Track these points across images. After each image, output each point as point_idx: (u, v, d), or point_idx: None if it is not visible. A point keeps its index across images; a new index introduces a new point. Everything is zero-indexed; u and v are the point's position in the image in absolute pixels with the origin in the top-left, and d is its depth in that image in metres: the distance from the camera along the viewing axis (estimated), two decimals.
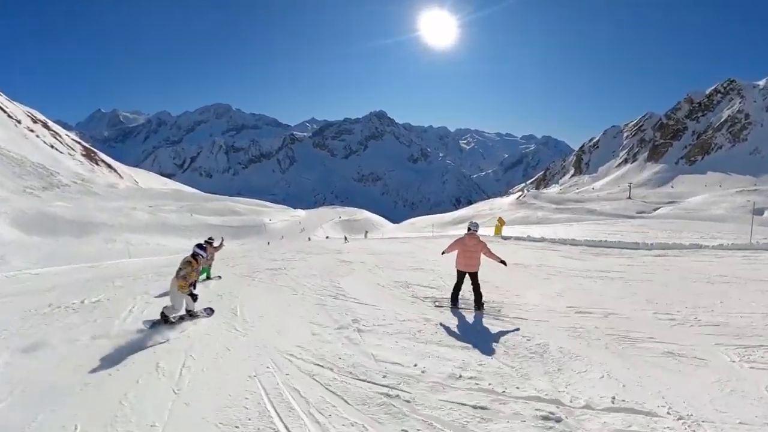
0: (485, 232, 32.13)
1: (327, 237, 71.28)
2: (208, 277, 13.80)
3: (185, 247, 57.30)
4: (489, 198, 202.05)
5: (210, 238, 14.43)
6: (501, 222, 34.68)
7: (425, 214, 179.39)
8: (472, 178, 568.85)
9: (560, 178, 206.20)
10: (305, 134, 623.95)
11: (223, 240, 16.08)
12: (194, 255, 8.93)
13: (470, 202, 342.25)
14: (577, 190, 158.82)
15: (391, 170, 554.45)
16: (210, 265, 14.04)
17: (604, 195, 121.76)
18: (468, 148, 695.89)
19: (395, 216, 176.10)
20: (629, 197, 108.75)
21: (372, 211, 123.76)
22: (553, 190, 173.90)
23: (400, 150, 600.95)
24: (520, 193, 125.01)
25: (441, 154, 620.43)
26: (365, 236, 57.03)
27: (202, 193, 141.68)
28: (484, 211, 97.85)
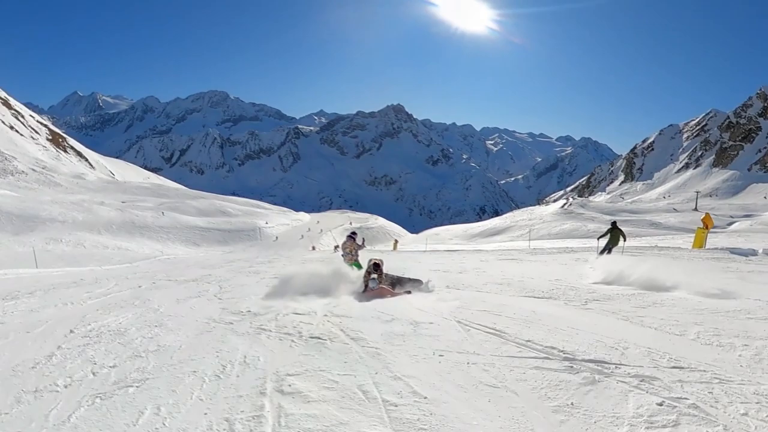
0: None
1: (336, 247, 64.08)
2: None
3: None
4: (517, 207, 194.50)
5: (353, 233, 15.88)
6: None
7: (445, 224, 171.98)
8: (500, 184, 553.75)
9: (607, 185, 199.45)
10: (312, 128, 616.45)
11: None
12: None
13: (497, 213, 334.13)
14: (630, 199, 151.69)
15: (408, 173, 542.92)
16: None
17: (663, 205, 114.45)
18: (495, 149, 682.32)
19: (410, 225, 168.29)
20: (695, 208, 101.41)
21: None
22: (599, 198, 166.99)
23: (419, 150, 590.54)
24: (564, 201, 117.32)
25: (465, 156, 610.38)
26: (394, 247, 48.30)
27: (188, 189, 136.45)
28: (522, 221, 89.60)
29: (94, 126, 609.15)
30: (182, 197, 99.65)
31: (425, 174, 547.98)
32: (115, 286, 14.10)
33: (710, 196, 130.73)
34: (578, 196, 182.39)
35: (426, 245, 40.44)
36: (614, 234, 19.24)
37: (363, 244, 15.45)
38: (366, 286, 10.51)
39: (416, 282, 11.34)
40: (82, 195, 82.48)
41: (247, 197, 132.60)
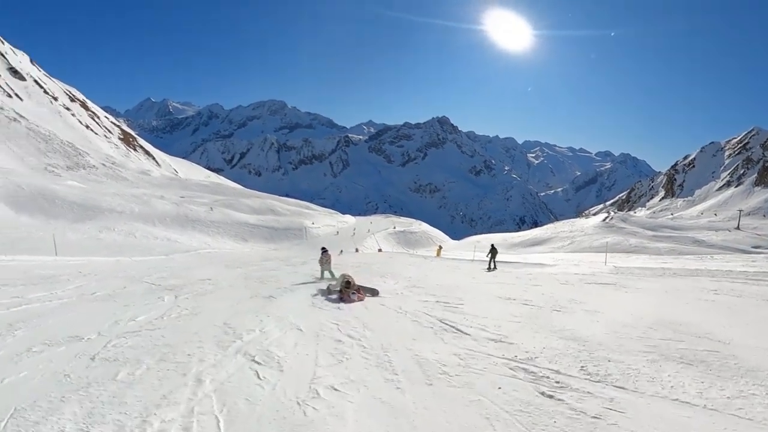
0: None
1: (380, 250, 61.95)
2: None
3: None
4: (557, 219, 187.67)
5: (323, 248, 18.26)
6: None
7: (485, 232, 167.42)
8: (539, 196, 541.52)
9: (647, 201, 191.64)
10: (361, 137, 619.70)
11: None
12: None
13: (536, 223, 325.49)
14: (670, 215, 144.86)
15: (451, 182, 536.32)
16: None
17: (705, 223, 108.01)
18: (536, 162, 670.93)
19: (452, 232, 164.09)
20: (738, 227, 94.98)
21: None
22: (640, 213, 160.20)
23: (462, 160, 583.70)
24: (605, 215, 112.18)
25: (506, 168, 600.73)
26: (438, 253, 44.83)
27: (244, 188, 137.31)
28: (564, 232, 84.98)
29: (164, 129, 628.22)
30: (237, 195, 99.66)
31: (468, 183, 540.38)
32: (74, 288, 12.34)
33: (753, 214, 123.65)
34: (618, 210, 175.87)
35: (474, 254, 36.39)
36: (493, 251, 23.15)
37: (329, 258, 17.61)
38: (342, 299, 11.80)
39: (373, 290, 13.02)
40: (145, 189, 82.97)
41: (298, 199, 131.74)
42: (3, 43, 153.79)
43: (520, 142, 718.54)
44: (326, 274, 17.00)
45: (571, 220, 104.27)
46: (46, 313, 8.97)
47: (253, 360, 6.35)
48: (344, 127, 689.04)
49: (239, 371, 5.92)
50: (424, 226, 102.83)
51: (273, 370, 5.98)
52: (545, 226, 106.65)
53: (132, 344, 6.90)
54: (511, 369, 6.20)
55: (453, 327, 8.54)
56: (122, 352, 6.48)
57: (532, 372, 6.07)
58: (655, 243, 70.84)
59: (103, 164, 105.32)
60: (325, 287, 13.51)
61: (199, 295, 11.91)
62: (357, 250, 55.05)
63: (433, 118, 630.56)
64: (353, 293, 11.88)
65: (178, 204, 70.42)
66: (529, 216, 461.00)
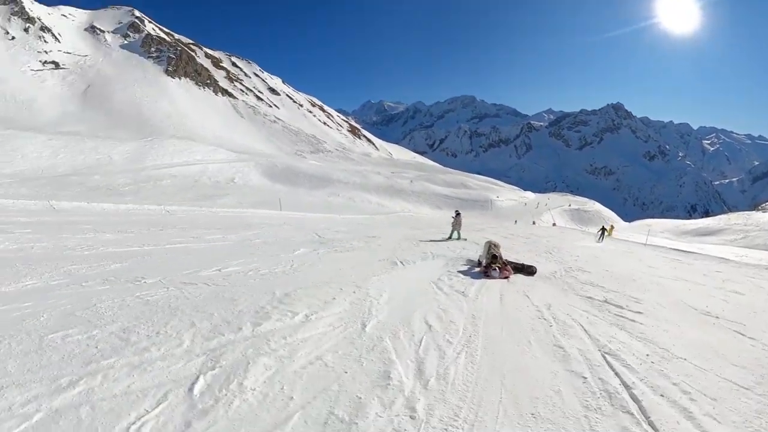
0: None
1: (554, 224, 57.08)
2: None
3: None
4: (729, 210, 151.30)
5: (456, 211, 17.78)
6: None
7: (656, 217, 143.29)
8: (713, 185, 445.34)
9: None
10: (542, 124, 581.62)
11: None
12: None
13: (707, 213, 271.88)
14: None
15: (625, 166, 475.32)
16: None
17: None
18: (712, 149, 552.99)
19: (623, 214, 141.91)
20: None
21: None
22: None
23: (636, 145, 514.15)
24: None
25: (680, 154, 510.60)
26: (609, 232, 37.81)
27: (440, 166, 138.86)
28: (737, 225, 65.84)
29: (381, 123, 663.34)
30: (435, 171, 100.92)
31: (641, 168, 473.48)
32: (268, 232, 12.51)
33: None
34: None
35: (647, 238, 29.54)
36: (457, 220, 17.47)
37: (460, 221, 16.43)
38: (487, 274, 8.58)
39: (530, 268, 9.44)
40: (365, 166, 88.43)
41: (487, 176, 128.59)
42: (263, 72, 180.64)
43: (694, 127, 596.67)
44: (455, 234, 16.00)
45: (746, 212, 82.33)
46: (191, 251, 9.23)
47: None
48: (527, 115, 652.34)
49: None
50: (598, 206, 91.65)
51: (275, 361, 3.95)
52: (717, 217, 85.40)
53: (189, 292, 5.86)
54: None
55: (627, 384, 3.83)
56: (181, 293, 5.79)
57: None
58: None
59: (336, 149, 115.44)
60: (453, 245, 12.04)
61: (342, 251, 10.61)
62: (534, 223, 51.56)
63: (607, 104, 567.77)
64: (496, 269, 8.60)
65: (389, 177, 73.45)
66: (701, 205, 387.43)
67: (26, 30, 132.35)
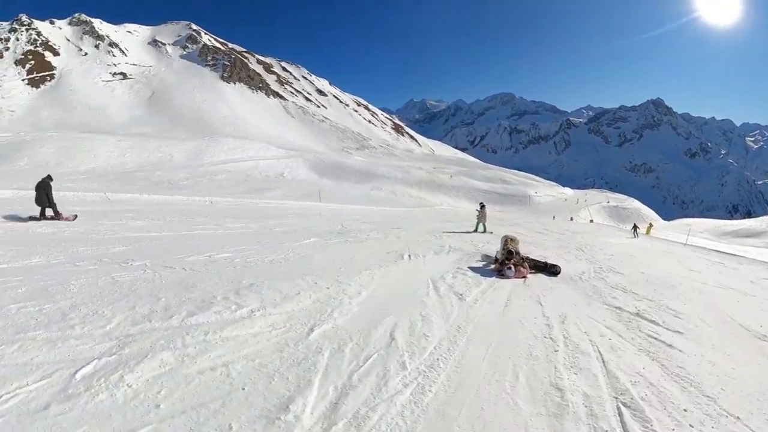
0: None
1: (591, 221, 52.82)
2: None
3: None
4: None
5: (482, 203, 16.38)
6: None
7: (695, 216, 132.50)
8: (756, 185, 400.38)
9: None
10: (581, 120, 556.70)
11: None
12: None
13: (749, 213, 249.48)
14: None
15: (665, 163, 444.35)
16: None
17: None
18: (755, 147, 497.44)
19: (662, 212, 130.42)
20: None
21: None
22: None
23: (677, 142, 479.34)
24: None
25: (723, 152, 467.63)
26: (648, 231, 34.50)
27: (480, 162, 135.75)
28: None
29: (423, 121, 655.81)
30: (475, 167, 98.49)
31: (682, 166, 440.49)
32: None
33: None
34: None
35: (687, 237, 24.67)
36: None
37: (485, 214, 15.53)
38: (501, 273, 7.14)
39: (554, 267, 7.79)
40: (408, 162, 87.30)
41: (526, 173, 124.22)
42: (311, 74, 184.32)
43: (737, 124, 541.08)
44: (480, 227, 15.14)
45: None
46: (202, 237, 9.00)
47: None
48: (566, 112, 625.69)
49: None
50: (636, 203, 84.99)
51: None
52: (760, 218, 76.46)
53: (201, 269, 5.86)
54: None
55: None
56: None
57: None
58: None
59: (381, 146, 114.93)
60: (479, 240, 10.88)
61: (355, 242, 9.61)
62: (571, 219, 48.17)
63: (647, 100, 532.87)
64: (510, 268, 7.20)
65: (430, 173, 71.94)
66: (743, 205, 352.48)
67: (97, 47, 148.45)
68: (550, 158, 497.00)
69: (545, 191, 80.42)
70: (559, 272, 7.61)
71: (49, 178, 9.97)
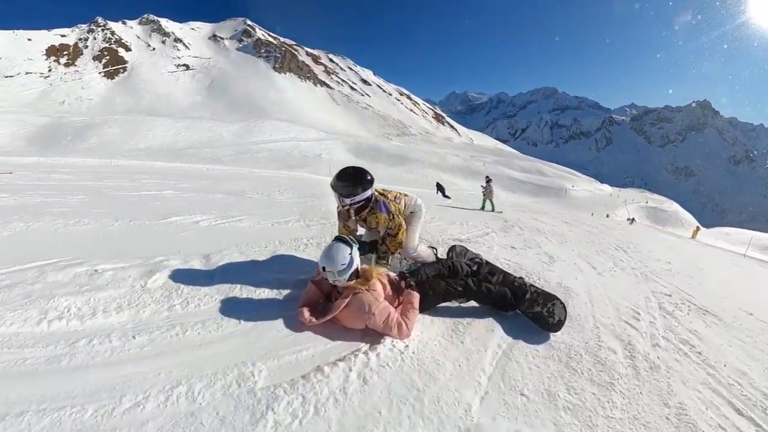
0: None
1: (630, 219, 47.34)
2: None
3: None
4: None
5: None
6: None
7: (734, 226, 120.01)
8: None
9: None
10: (624, 118, 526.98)
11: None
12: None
13: None
14: None
15: (708, 168, 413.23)
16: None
17: None
18: None
19: (700, 219, 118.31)
20: None
21: None
22: None
23: (722, 147, 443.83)
24: None
25: None
26: (694, 235, 31.34)
27: (518, 152, 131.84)
28: None
29: (465, 112, 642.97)
30: (512, 157, 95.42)
31: (725, 172, 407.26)
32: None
33: None
34: None
35: (746, 249, 19.08)
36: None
37: (491, 188, 13.09)
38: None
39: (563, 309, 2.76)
40: (446, 149, 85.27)
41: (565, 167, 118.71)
42: (356, 65, 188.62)
43: None
44: (487, 204, 12.57)
45: None
46: (163, 198, 7.38)
47: None
48: (608, 109, 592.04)
49: None
50: (675, 206, 77.06)
51: None
52: None
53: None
54: None
55: None
56: None
57: None
58: None
59: (420, 133, 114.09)
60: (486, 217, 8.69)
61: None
62: (607, 216, 43.53)
63: (693, 102, 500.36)
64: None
65: (466, 160, 69.80)
66: None
67: (163, 42, 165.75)
68: (590, 155, 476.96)
69: (582, 186, 75.84)
70: (558, 322, 2.68)
71: None
